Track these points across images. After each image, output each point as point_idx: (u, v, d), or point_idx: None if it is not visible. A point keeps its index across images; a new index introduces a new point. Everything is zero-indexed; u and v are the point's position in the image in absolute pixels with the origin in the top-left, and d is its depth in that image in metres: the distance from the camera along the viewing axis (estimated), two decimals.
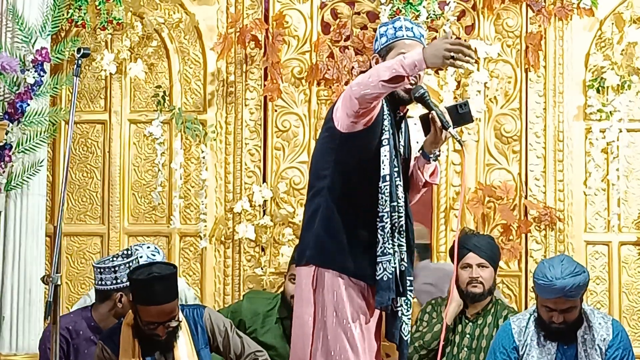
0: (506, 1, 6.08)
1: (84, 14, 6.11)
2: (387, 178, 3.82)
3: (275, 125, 6.17)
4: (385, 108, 3.87)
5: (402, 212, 3.86)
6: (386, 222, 3.81)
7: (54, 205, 6.24)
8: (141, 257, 4.99)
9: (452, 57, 3.56)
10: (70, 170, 6.24)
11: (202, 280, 6.18)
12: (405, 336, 3.92)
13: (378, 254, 3.81)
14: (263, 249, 6.13)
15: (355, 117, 3.78)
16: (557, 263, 4.42)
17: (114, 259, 4.84)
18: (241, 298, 5.79)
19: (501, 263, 5.96)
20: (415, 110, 5.94)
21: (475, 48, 6.03)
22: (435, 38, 6.08)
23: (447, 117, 3.81)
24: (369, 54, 5.91)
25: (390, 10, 5.98)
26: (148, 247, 5.13)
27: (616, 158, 6.03)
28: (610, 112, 6.01)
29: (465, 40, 5.97)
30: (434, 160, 3.92)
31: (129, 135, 6.33)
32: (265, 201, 6.12)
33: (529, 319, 4.58)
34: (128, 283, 4.69)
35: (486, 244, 5.19)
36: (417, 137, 5.95)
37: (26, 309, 5.75)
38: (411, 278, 3.95)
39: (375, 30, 5.96)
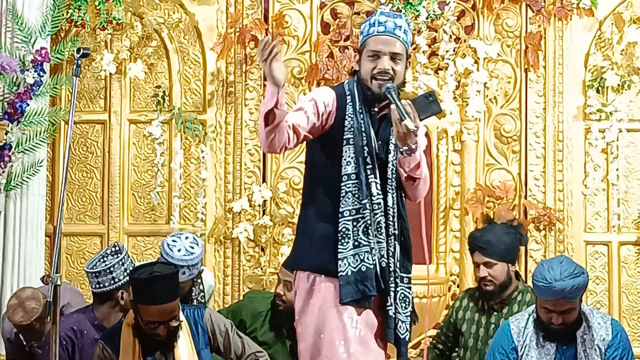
0: (506, 1, 6.08)
1: (84, 14, 6.11)
2: (352, 177, 3.80)
3: None
4: (350, 108, 3.86)
5: (378, 210, 3.82)
6: (358, 218, 3.79)
7: (54, 206, 6.24)
8: (179, 250, 4.94)
9: (265, 61, 3.52)
10: (70, 170, 6.24)
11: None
12: (402, 334, 3.86)
13: (349, 247, 3.79)
14: (262, 249, 6.13)
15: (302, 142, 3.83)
16: (556, 264, 4.40)
17: (104, 259, 4.80)
18: (241, 298, 5.79)
19: None
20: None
21: (476, 48, 6.04)
22: (435, 38, 6.09)
23: (408, 109, 3.70)
24: None
25: (390, 10, 5.97)
26: (187, 238, 5.03)
27: (616, 158, 6.04)
28: (610, 112, 6.01)
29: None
30: (408, 154, 3.78)
31: (129, 135, 6.33)
32: (264, 201, 6.12)
33: (528, 319, 4.57)
34: (125, 280, 4.71)
35: (494, 240, 5.07)
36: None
37: None
38: (409, 275, 3.91)
39: None
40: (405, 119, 3.67)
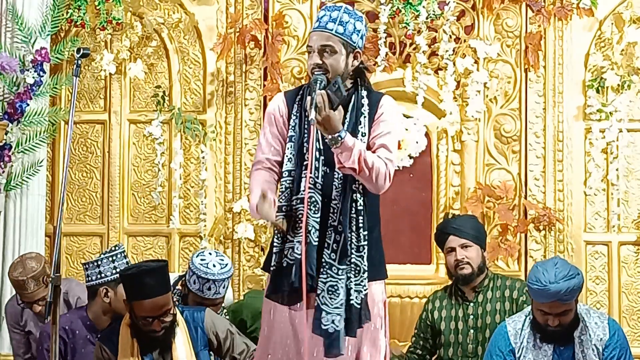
0: (506, 1, 6.08)
1: (84, 14, 6.12)
2: (292, 173, 3.85)
3: None
4: (296, 106, 3.90)
5: (300, 205, 3.82)
6: (291, 214, 3.83)
7: (54, 205, 6.25)
8: (214, 265, 4.95)
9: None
10: (69, 170, 6.25)
11: None
12: (325, 326, 3.79)
13: (280, 242, 3.85)
14: (262, 249, 6.13)
15: None
16: (550, 267, 4.39)
17: (101, 255, 4.88)
18: (241, 298, 5.80)
19: (500, 263, 5.98)
20: (414, 111, 5.96)
21: (476, 48, 6.04)
22: (435, 38, 6.08)
23: (319, 99, 3.68)
24: (368, 55, 5.92)
25: (390, 10, 5.98)
26: (210, 254, 5.05)
27: (616, 158, 6.03)
28: (610, 112, 6.01)
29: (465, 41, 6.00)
30: (333, 144, 3.73)
31: (129, 135, 6.33)
32: None
33: (525, 321, 4.57)
34: (112, 277, 4.73)
35: (466, 224, 5.15)
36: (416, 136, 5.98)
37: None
38: (344, 267, 3.83)
39: (375, 30, 6.00)
40: (310, 109, 3.68)
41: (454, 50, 6.05)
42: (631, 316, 6.09)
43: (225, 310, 5.24)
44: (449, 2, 6.00)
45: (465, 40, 6.10)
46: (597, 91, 6.06)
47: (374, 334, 3.94)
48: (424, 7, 5.95)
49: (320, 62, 3.84)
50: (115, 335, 4.55)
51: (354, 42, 3.89)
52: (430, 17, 5.98)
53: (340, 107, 3.76)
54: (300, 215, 3.82)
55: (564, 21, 6.05)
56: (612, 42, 6.07)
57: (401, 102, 5.76)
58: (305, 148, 3.86)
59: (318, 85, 3.77)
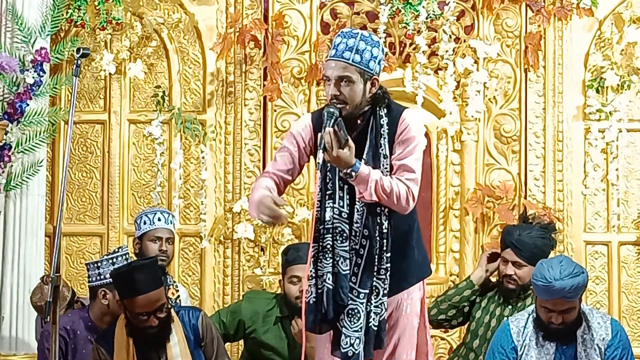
0: (505, 1, 6.08)
1: (84, 14, 6.11)
2: (317, 204, 3.91)
3: (274, 125, 6.18)
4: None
5: (327, 235, 3.90)
6: (314, 247, 3.93)
7: (54, 206, 6.24)
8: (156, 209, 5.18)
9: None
10: (69, 170, 6.24)
11: (202, 280, 6.19)
12: (344, 348, 3.90)
13: (308, 277, 3.95)
14: (262, 249, 6.13)
15: None
16: (556, 264, 4.41)
17: (103, 256, 4.90)
18: (241, 298, 5.79)
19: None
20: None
21: (475, 48, 6.04)
22: (434, 38, 6.08)
23: (327, 139, 3.74)
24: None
25: (389, 10, 5.98)
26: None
27: (615, 158, 6.04)
28: (609, 112, 6.01)
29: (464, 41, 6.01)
30: (348, 177, 3.81)
31: (129, 135, 6.33)
32: None
33: (528, 319, 4.58)
34: (110, 279, 4.73)
35: (528, 243, 5.01)
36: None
37: (26, 309, 5.75)
38: (366, 290, 3.92)
39: (374, 30, 6.00)
40: (321, 148, 3.75)
41: (453, 50, 6.05)
42: (631, 316, 6.09)
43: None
44: (449, 2, 6.00)
45: (465, 40, 6.10)
46: (597, 91, 6.06)
47: (410, 332, 4.03)
48: (423, 7, 5.95)
49: (338, 93, 3.85)
50: (111, 335, 4.58)
51: (371, 69, 3.90)
52: (430, 17, 5.98)
53: (350, 141, 3.78)
54: (327, 245, 3.90)
55: (564, 21, 6.05)
56: (612, 42, 6.07)
57: (401, 102, 5.76)
58: (328, 177, 3.91)
59: (329, 122, 3.77)
